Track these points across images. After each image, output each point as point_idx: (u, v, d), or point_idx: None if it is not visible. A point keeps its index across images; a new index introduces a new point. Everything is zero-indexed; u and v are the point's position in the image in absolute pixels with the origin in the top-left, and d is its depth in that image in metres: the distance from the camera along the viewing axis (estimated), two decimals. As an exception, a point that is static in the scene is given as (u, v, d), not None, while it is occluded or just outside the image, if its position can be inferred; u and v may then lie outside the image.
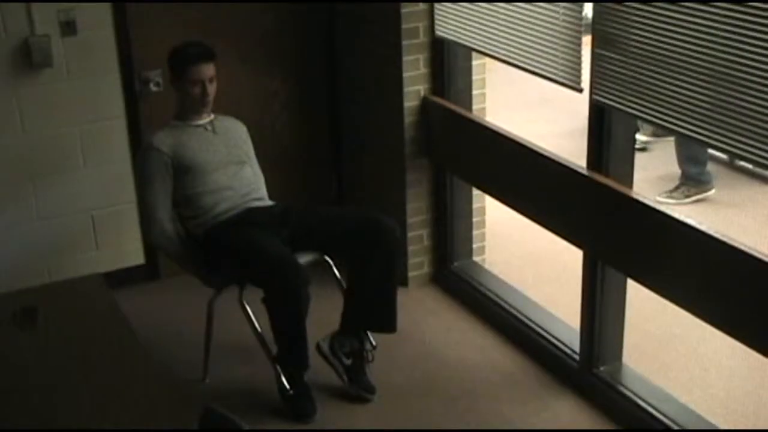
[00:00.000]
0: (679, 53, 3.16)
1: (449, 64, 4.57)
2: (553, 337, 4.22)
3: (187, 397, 3.81)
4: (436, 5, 4.45)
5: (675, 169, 6.03)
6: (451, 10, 4.36)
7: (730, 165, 6.32)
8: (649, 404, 3.73)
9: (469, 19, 4.24)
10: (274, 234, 3.95)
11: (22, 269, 4.71)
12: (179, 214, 4.04)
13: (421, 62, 4.58)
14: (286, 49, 5.13)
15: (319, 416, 3.91)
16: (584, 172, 3.72)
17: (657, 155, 6.53)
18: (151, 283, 5.06)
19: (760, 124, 2.92)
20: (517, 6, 3.91)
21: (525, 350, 4.32)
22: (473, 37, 4.25)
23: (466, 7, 4.24)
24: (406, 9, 4.47)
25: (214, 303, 4.08)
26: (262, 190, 4.19)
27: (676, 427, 3.61)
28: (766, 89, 2.88)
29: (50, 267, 4.83)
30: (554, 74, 3.79)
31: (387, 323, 4.06)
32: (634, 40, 3.34)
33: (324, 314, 4.04)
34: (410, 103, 4.62)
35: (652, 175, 6.18)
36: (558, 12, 3.69)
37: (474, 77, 4.64)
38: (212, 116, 4.12)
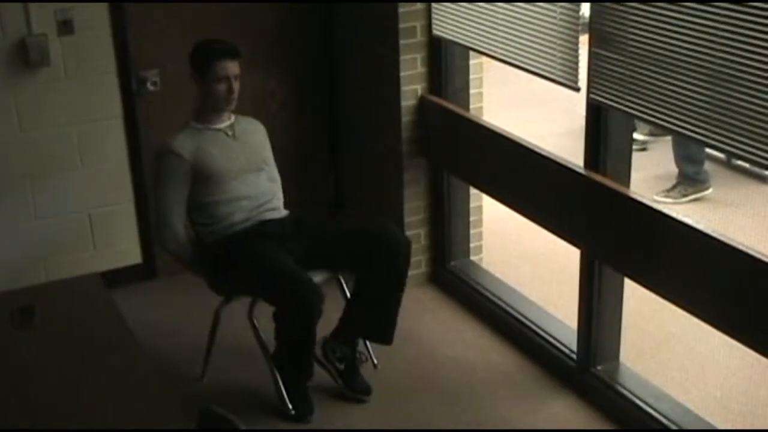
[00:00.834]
0: (677, 52, 3.16)
1: (446, 64, 4.57)
2: (551, 336, 4.22)
3: (184, 397, 3.82)
4: (434, 5, 4.45)
5: (672, 169, 6.03)
6: (448, 10, 4.36)
7: (728, 164, 6.33)
8: (647, 403, 3.73)
9: (467, 19, 4.24)
10: (288, 251, 3.88)
11: (19, 268, 4.71)
12: (192, 220, 3.98)
13: (419, 61, 4.58)
14: (284, 49, 5.13)
15: (317, 416, 3.91)
16: (582, 171, 3.72)
17: (654, 154, 6.53)
18: (148, 283, 5.06)
19: (757, 123, 2.92)
20: (514, 5, 3.91)
21: (522, 349, 4.32)
22: (470, 37, 4.25)
23: (463, 7, 4.24)
24: (403, 8, 4.47)
25: (222, 310, 4.07)
26: (277, 199, 4.10)
27: (673, 427, 3.61)
28: (763, 88, 2.88)
29: (47, 266, 4.83)
30: (551, 73, 3.80)
31: (385, 335, 4.04)
32: (631, 39, 3.34)
33: (325, 324, 3.99)
34: (407, 102, 4.62)
35: (650, 175, 6.18)
36: (555, 11, 3.69)
37: (471, 76, 4.64)
38: (232, 118, 4.02)
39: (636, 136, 6.51)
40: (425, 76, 4.62)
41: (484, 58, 4.46)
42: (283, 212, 4.08)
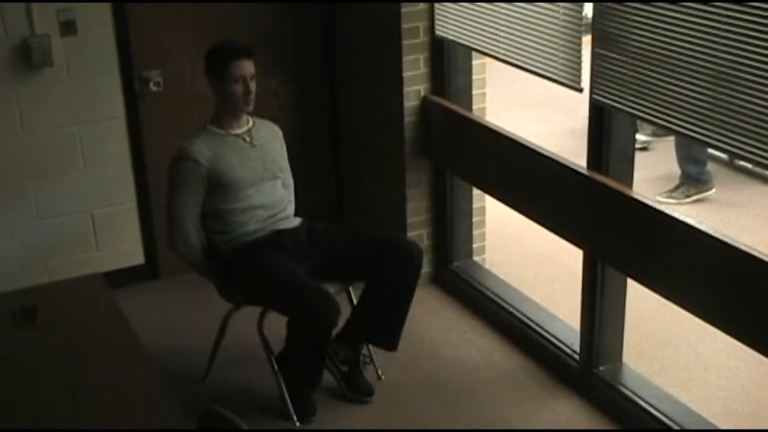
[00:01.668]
0: (679, 53, 3.16)
1: (449, 64, 4.57)
2: (553, 336, 4.22)
3: (186, 397, 3.82)
4: (436, 5, 4.45)
5: (675, 169, 6.02)
6: (451, 10, 4.36)
7: (730, 165, 6.32)
8: (649, 404, 3.73)
9: (469, 19, 4.24)
10: (301, 261, 3.86)
11: (22, 269, 4.71)
12: (205, 226, 3.94)
13: (421, 62, 4.58)
14: (286, 49, 5.13)
15: (319, 416, 3.91)
16: (584, 171, 3.72)
17: (657, 155, 6.53)
18: (150, 283, 5.06)
19: (759, 123, 2.92)
20: (517, 6, 3.91)
21: (525, 350, 4.32)
22: (473, 37, 4.25)
23: (466, 7, 4.24)
24: (406, 9, 4.47)
25: (230, 317, 4.06)
26: (291, 206, 4.07)
27: (675, 427, 3.61)
28: (766, 89, 2.88)
29: (50, 267, 4.83)
30: (554, 74, 3.79)
31: (390, 341, 4.03)
32: (634, 39, 3.34)
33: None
34: (410, 102, 4.62)
35: (652, 175, 6.18)
36: (558, 12, 3.69)
37: (474, 77, 4.63)
38: (251, 123, 3.97)
39: (638, 136, 6.51)
40: (428, 76, 4.62)
41: (487, 59, 4.46)
42: (296, 221, 4.03)
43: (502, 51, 4.07)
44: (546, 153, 3.92)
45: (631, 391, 3.82)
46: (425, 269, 4.94)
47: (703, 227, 3.21)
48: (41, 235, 4.79)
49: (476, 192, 4.81)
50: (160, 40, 4.77)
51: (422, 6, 4.49)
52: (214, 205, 3.87)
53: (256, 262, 3.83)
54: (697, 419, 3.67)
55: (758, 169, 5.93)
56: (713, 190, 5.95)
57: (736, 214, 5.73)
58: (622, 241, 3.59)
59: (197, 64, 4.28)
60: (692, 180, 5.94)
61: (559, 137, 6.41)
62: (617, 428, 3.79)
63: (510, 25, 3.98)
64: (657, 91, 3.29)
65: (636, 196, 3.49)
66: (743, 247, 3.06)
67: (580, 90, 3.70)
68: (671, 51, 3.19)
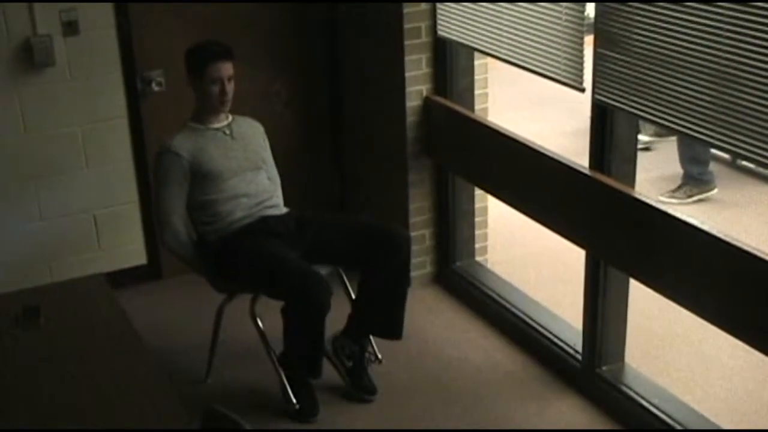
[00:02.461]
0: (682, 53, 3.15)
1: (451, 64, 4.56)
2: (556, 337, 4.22)
3: (188, 397, 3.82)
4: (438, 5, 4.45)
5: (677, 169, 6.02)
6: (453, 10, 4.36)
7: (733, 165, 6.32)
8: (652, 404, 3.73)
9: (472, 19, 4.24)
10: (291, 246, 3.92)
11: (25, 269, 4.71)
12: (192, 219, 4.00)
13: (424, 62, 4.58)
14: (288, 49, 5.13)
15: (320, 416, 3.91)
16: (586, 171, 3.71)
17: (659, 155, 6.53)
18: (153, 283, 5.06)
19: (762, 123, 2.92)
20: (519, 6, 3.91)
21: (527, 350, 4.32)
22: (475, 37, 4.25)
23: (468, 7, 4.24)
24: (408, 9, 4.47)
25: (224, 309, 4.07)
26: (277, 197, 4.13)
27: (678, 427, 3.60)
28: (767, 88, 2.88)
29: (52, 267, 4.83)
30: (556, 74, 3.79)
31: (393, 330, 4.06)
32: (636, 39, 3.34)
33: (332, 323, 3.99)
34: (412, 102, 4.62)
35: (655, 175, 6.18)
36: (560, 11, 3.69)
37: (476, 77, 4.63)
38: (230, 118, 4.06)
39: (640, 137, 6.51)
40: (430, 76, 4.61)
41: (489, 59, 4.46)
42: (283, 209, 4.11)
43: (504, 51, 4.07)
44: (548, 153, 3.92)
45: (634, 391, 3.81)
46: (427, 269, 4.95)
47: (705, 227, 3.21)
48: (44, 236, 4.79)
49: (478, 192, 4.80)
50: (162, 40, 4.77)
51: (424, 6, 4.49)
52: (199, 196, 3.94)
53: (244, 248, 3.89)
54: (700, 419, 3.67)
55: (760, 169, 5.93)
56: (715, 190, 5.94)
57: (738, 214, 5.73)
58: (624, 241, 3.59)
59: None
60: (694, 180, 5.93)
61: (561, 137, 6.41)
62: (620, 428, 3.79)
63: (512, 25, 3.98)
64: (659, 91, 3.29)
65: (638, 196, 3.49)
66: (745, 247, 3.06)
67: (583, 90, 3.70)
68: (673, 51, 3.19)
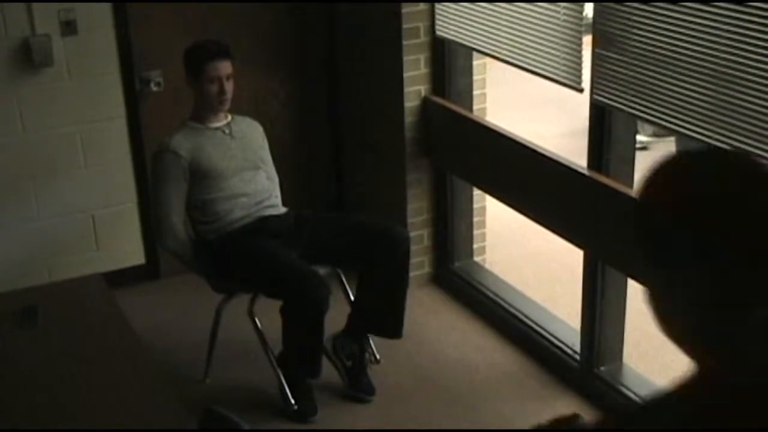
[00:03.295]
0: (680, 53, 3.16)
1: (450, 64, 4.57)
2: (554, 337, 4.22)
3: (187, 398, 3.82)
4: (437, 5, 4.45)
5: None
6: (451, 10, 4.36)
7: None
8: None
9: (470, 19, 4.24)
10: (290, 246, 3.92)
11: (23, 269, 4.71)
12: (191, 218, 4.00)
13: (422, 62, 4.58)
14: (286, 49, 5.13)
15: (319, 416, 3.91)
16: (585, 172, 3.72)
17: (658, 155, 6.52)
18: (151, 283, 5.06)
19: (759, 123, 2.92)
20: (517, 6, 3.91)
21: (525, 350, 4.32)
22: (474, 37, 4.25)
23: (466, 7, 4.24)
24: (406, 9, 4.47)
25: (222, 308, 4.07)
26: (276, 197, 4.13)
27: (676, 427, 3.60)
28: (766, 88, 2.88)
29: (50, 267, 4.83)
30: (555, 74, 3.79)
31: (393, 329, 4.06)
32: (634, 40, 3.34)
33: (332, 323, 3.99)
34: (411, 103, 4.62)
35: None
36: (559, 12, 3.69)
37: (474, 77, 4.63)
38: (229, 118, 4.06)
39: (638, 137, 6.51)
40: (428, 76, 4.62)
41: (488, 59, 4.46)
42: (282, 209, 4.11)
43: (503, 51, 4.07)
44: (546, 153, 3.92)
45: (632, 392, 3.82)
46: (426, 269, 4.94)
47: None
48: (42, 235, 4.79)
49: (477, 192, 4.80)
50: (161, 40, 4.77)
51: (423, 6, 4.49)
52: (198, 196, 3.94)
53: (243, 248, 3.89)
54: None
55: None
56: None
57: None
58: (622, 241, 3.59)
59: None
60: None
61: (560, 137, 6.41)
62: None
63: (510, 25, 3.98)
64: (657, 91, 3.29)
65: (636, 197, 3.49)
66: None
67: (581, 90, 3.70)
68: (672, 51, 3.19)
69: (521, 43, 3.95)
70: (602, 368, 3.95)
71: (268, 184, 4.11)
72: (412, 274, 4.83)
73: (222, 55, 3.90)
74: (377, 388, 4.04)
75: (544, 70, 3.85)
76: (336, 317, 3.98)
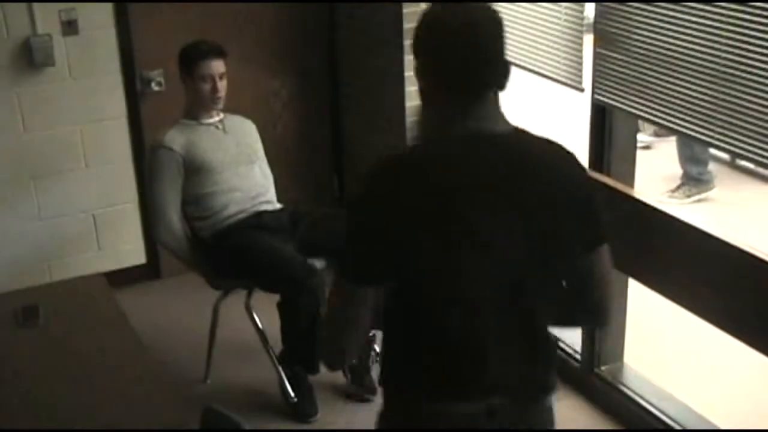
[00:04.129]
0: (681, 53, 3.15)
1: (451, 64, 4.55)
2: (555, 337, 4.21)
3: (188, 397, 3.82)
4: (438, 5, 4.44)
5: (677, 169, 6.02)
6: (452, 10, 4.35)
7: (732, 165, 6.32)
8: (651, 404, 3.73)
9: (471, 19, 4.23)
10: (285, 241, 3.94)
11: (24, 269, 4.71)
12: (186, 214, 4.02)
13: (423, 62, 4.57)
14: (288, 49, 5.13)
15: (319, 416, 3.91)
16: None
17: (660, 154, 6.52)
18: (152, 283, 5.06)
19: (761, 123, 2.92)
20: (518, 6, 3.91)
21: (526, 350, 4.31)
22: (475, 37, 4.24)
23: (467, 7, 4.23)
24: (407, 9, 4.46)
25: (220, 305, 4.08)
26: (271, 192, 4.16)
27: (677, 427, 3.61)
28: (767, 88, 2.88)
29: (52, 266, 4.83)
30: (556, 74, 3.79)
31: None
32: (635, 39, 3.34)
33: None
34: (412, 102, 4.62)
35: (655, 175, 6.17)
36: (560, 11, 3.69)
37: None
38: (222, 115, 4.10)
39: (640, 136, 6.51)
40: (429, 76, 4.60)
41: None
42: (277, 205, 4.14)
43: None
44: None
45: (633, 391, 3.81)
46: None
47: (704, 227, 3.21)
48: (43, 235, 4.79)
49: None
50: (162, 40, 4.77)
51: (424, 6, 4.48)
52: (193, 191, 3.96)
53: (239, 242, 3.91)
54: (699, 419, 3.67)
55: (759, 169, 5.93)
56: (714, 190, 5.95)
57: (737, 214, 5.73)
58: (622, 241, 3.58)
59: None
60: (694, 180, 5.93)
61: (561, 138, 6.39)
62: (618, 428, 3.79)
63: (511, 24, 3.98)
64: (658, 91, 3.29)
65: (637, 196, 3.49)
66: (744, 247, 3.06)
67: (582, 90, 3.70)
68: (673, 51, 3.19)
69: (522, 43, 3.95)
70: (603, 368, 3.95)
71: (262, 179, 4.12)
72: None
73: (215, 54, 3.95)
74: (377, 387, 4.04)
75: (545, 69, 3.85)
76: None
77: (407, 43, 4.52)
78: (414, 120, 4.63)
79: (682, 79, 3.18)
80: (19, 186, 4.68)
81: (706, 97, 3.10)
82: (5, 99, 4.54)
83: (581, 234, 2.12)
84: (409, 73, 4.57)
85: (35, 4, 4.45)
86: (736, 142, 3.03)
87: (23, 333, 3.27)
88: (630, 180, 3.70)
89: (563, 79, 3.76)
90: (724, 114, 3.04)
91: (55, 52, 4.54)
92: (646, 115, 3.38)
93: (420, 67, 2.08)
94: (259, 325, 3.97)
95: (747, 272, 3.05)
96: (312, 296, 3.73)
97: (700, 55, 3.08)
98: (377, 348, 4.16)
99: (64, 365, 3.11)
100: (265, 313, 3.92)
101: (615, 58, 3.45)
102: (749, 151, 2.99)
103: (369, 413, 3.93)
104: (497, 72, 2.05)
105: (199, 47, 3.98)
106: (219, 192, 3.97)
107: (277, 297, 3.85)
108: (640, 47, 3.32)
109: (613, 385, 3.88)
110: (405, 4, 4.45)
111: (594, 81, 3.58)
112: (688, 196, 5.89)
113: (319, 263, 3.94)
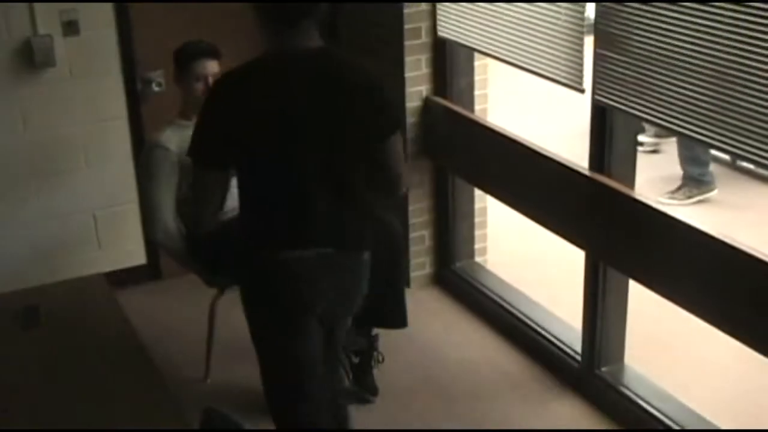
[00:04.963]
0: (681, 53, 3.16)
1: (451, 65, 4.57)
2: (555, 337, 4.22)
3: (188, 397, 3.82)
4: (439, 6, 4.45)
5: (677, 170, 6.02)
6: (453, 11, 4.36)
7: (732, 166, 6.32)
8: (651, 405, 3.73)
9: (472, 20, 4.24)
10: None
11: (25, 269, 4.71)
12: (180, 213, 4.03)
13: (423, 63, 4.58)
14: (288, 50, 5.12)
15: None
16: (586, 172, 3.71)
17: (659, 156, 6.52)
18: (152, 283, 5.07)
19: (761, 124, 2.92)
20: (519, 6, 3.91)
21: (527, 351, 4.32)
22: (475, 38, 4.25)
23: (468, 8, 4.24)
24: (408, 9, 4.47)
25: (216, 303, 4.08)
26: None
27: (677, 428, 3.61)
28: (766, 89, 2.88)
29: (52, 267, 4.82)
30: (556, 75, 3.79)
31: (398, 319, 4.06)
32: (636, 40, 3.34)
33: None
34: (412, 103, 4.62)
35: (656, 176, 6.17)
36: (560, 12, 3.69)
37: (476, 77, 4.63)
38: None
39: (647, 139, 6.52)
40: (430, 77, 4.62)
41: (489, 59, 4.46)
42: None
43: (504, 52, 4.07)
44: (548, 154, 3.92)
45: (633, 392, 3.82)
46: (427, 270, 4.95)
47: (704, 228, 3.21)
48: (44, 235, 4.79)
49: (478, 192, 4.81)
50: (163, 41, 4.75)
51: (424, 7, 4.49)
52: (187, 190, 3.93)
53: (233, 238, 3.88)
54: (699, 420, 3.67)
55: (760, 170, 5.93)
56: (715, 191, 5.94)
57: (737, 216, 5.73)
58: (623, 242, 3.59)
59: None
60: (694, 181, 5.93)
61: (562, 138, 6.40)
62: (619, 429, 3.79)
63: (512, 25, 3.98)
64: (659, 92, 3.29)
65: (637, 197, 3.49)
66: (745, 248, 3.06)
67: (582, 91, 3.70)
68: (673, 51, 3.19)
69: (522, 44, 3.95)
70: (603, 369, 3.95)
71: None
72: (413, 274, 4.84)
73: (208, 54, 3.96)
74: (379, 388, 4.04)
75: (545, 70, 3.85)
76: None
77: (407, 43, 4.52)
78: (414, 120, 4.64)
79: (682, 80, 3.18)
80: (19, 186, 4.69)
81: (706, 98, 3.10)
82: (6, 99, 4.54)
83: (375, 127, 2.86)
84: (410, 74, 4.58)
85: (36, 5, 4.45)
86: (737, 143, 3.03)
87: (24, 333, 3.28)
88: (630, 181, 3.70)
89: (564, 80, 3.76)
90: (725, 115, 3.04)
91: (55, 52, 4.54)
92: (647, 116, 3.38)
93: (253, 6, 3.00)
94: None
95: (748, 274, 3.06)
96: None
97: (700, 55, 3.09)
98: (378, 349, 4.18)
99: (64, 365, 3.11)
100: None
101: (615, 59, 3.46)
102: (750, 152, 3.00)
103: (370, 413, 3.95)
104: (306, 4, 2.91)
105: (192, 47, 3.99)
106: None
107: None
108: (640, 48, 3.33)
109: (613, 386, 3.88)
110: (406, 5, 4.46)
111: (594, 82, 3.58)
112: (689, 197, 5.89)
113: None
